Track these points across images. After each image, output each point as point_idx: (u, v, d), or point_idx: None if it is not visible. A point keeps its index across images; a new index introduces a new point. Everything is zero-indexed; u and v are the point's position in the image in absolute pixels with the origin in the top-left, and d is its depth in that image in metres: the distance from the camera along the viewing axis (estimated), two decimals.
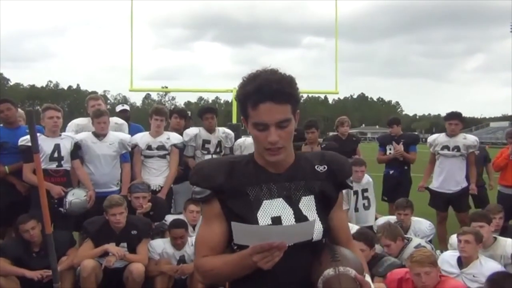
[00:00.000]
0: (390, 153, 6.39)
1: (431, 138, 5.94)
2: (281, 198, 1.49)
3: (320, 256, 1.48)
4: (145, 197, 4.58)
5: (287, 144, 1.46)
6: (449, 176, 5.57)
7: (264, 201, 1.47)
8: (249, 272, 1.39)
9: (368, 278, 1.48)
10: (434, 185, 5.74)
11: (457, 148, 5.53)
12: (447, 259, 3.69)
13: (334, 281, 1.40)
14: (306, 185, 1.52)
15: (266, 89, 1.39)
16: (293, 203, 1.49)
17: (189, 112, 7.22)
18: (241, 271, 1.40)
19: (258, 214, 1.46)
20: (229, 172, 1.50)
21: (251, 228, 1.34)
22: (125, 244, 4.16)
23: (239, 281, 1.46)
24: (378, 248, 4.02)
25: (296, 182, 1.51)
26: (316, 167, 1.56)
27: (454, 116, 5.62)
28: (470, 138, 5.67)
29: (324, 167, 1.56)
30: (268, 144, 1.43)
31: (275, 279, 1.45)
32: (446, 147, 5.60)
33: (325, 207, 1.54)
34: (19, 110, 5.08)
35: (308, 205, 1.50)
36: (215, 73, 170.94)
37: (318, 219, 1.50)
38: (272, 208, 1.47)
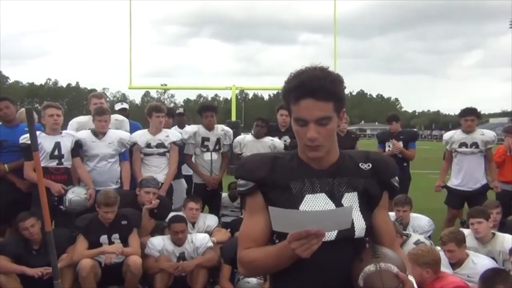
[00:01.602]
0: (389, 149, 6.39)
1: (447, 135, 5.80)
2: (323, 193, 1.49)
3: (361, 253, 1.47)
4: (155, 193, 4.61)
5: (326, 142, 1.45)
6: (468, 174, 5.44)
7: (307, 195, 1.48)
8: (289, 263, 1.40)
9: (411, 278, 1.45)
10: (454, 183, 5.59)
11: (475, 144, 5.40)
12: None
13: (375, 277, 1.39)
14: (349, 182, 1.52)
15: (308, 85, 1.40)
16: (336, 199, 1.49)
17: (181, 109, 7.22)
18: (282, 262, 1.41)
19: (300, 208, 1.46)
20: (273, 166, 1.51)
21: (287, 213, 1.34)
22: (117, 235, 4.20)
23: (281, 275, 1.47)
24: None
25: (339, 179, 1.51)
26: (360, 165, 1.55)
27: (471, 112, 5.50)
28: (488, 134, 5.54)
29: (369, 165, 1.55)
30: (307, 140, 1.44)
31: (317, 274, 1.45)
32: (464, 144, 5.46)
33: (368, 205, 1.54)
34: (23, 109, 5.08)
35: (351, 201, 1.50)
36: (214, 71, 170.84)
37: (361, 216, 1.50)
38: (314, 203, 1.48)
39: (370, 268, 1.40)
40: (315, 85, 1.39)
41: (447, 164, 5.78)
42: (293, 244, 1.30)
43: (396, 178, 1.61)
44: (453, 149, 5.57)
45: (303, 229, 1.28)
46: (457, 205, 5.65)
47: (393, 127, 6.49)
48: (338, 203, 1.48)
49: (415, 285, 1.45)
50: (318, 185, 1.50)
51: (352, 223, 1.45)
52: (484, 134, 5.52)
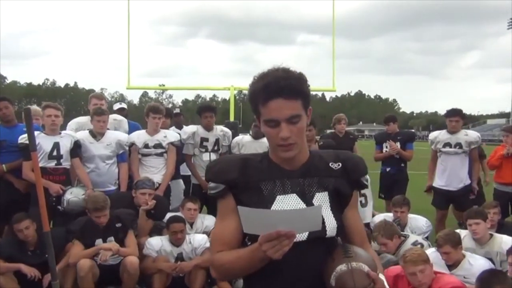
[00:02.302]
0: (386, 150, 6.41)
1: (432, 135, 5.91)
2: (294, 194, 1.49)
3: (333, 253, 1.47)
4: (150, 194, 4.60)
5: (298, 140, 1.46)
6: (452, 174, 5.53)
7: (278, 196, 1.48)
8: (261, 265, 1.39)
9: (382, 276, 1.47)
10: (438, 183, 5.67)
11: (459, 145, 5.50)
12: (433, 259, 3.51)
13: (347, 277, 1.39)
14: (319, 182, 1.52)
15: (275, 86, 1.40)
16: (307, 199, 1.49)
17: (178, 109, 7.24)
18: (254, 264, 1.40)
19: (271, 209, 1.45)
20: (243, 167, 1.51)
21: (257, 213, 1.33)
22: (112, 238, 4.19)
23: (253, 277, 1.47)
24: (374, 245, 4.04)
25: (310, 179, 1.51)
26: (330, 164, 1.55)
27: (455, 113, 5.60)
28: (472, 134, 5.64)
29: (339, 165, 1.56)
30: (280, 140, 1.43)
31: (289, 275, 1.45)
32: (448, 144, 5.56)
33: (339, 204, 1.54)
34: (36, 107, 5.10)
35: (321, 201, 1.50)
36: (212, 71, 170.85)
37: (332, 215, 1.50)
38: (286, 203, 1.47)
39: (342, 267, 1.41)
40: (282, 85, 1.40)
41: (432, 164, 5.86)
42: (264, 245, 1.29)
43: (366, 177, 1.62)
44: (438, 149, 5.67)
45: (274, 230, 1.27)
46: (442, 205, 5.71)
47: (391, 128, 6.51)
48: (309, 203, 1.48)
49: (385, 284, 1.46)
50: (289, 186, 1.49)
51: (324, 223, 1.46)
52: (468, 134, 5.63)
